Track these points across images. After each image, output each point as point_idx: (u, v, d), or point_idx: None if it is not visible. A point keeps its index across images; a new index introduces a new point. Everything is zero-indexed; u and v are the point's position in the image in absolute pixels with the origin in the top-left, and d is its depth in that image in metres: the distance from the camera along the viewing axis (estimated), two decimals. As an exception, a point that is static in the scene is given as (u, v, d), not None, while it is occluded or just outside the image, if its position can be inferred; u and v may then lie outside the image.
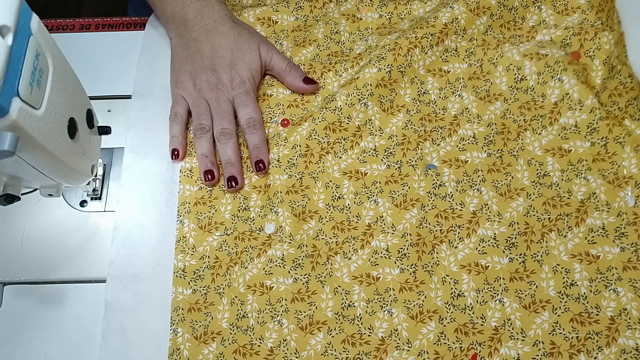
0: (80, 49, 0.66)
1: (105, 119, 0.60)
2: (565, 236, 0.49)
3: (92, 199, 0.58)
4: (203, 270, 0.52)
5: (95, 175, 0.56)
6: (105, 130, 0.53)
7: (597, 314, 0.46)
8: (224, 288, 0.52)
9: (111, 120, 0.59)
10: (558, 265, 0.48)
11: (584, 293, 0.47)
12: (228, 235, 0.54)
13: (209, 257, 0.53)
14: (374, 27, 0.62)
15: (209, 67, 0.58)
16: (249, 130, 0.56)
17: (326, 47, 0.62)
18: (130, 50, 0.66)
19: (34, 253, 0.55)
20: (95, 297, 0.53)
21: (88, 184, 0.56)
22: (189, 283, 0.52)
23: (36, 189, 0.50)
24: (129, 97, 0.62)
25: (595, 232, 0.49)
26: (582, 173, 0.51)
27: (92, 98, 0.51)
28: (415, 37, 0.59)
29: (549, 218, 0.50)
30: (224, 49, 0.59)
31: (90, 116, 0.50)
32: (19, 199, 0.45)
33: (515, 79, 0.56)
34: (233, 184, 0.55)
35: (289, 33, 0.63)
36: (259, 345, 0.49)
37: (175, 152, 0.58)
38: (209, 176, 0.56)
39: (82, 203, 0.58)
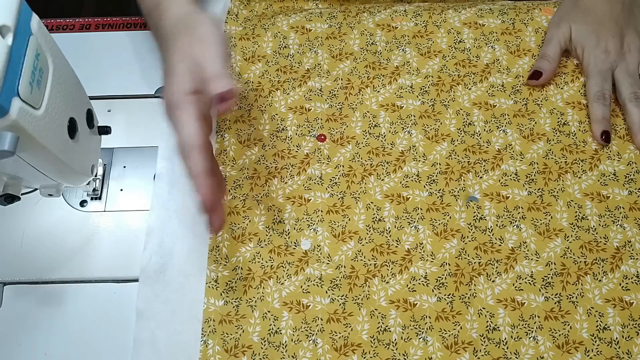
0: (80, 49, 0.66)
1: (105, 119, 0.60)
2: (600, 280, 0.50)
3: (92, 199, 0.58)
4: (235, 282, 0.52)
5: (95, 175, 0.55)
6: (105, 130, 0.52)
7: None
8: (256, 301, 0.51)
9: (111, 120, 0.59)
10: (592, 308, 0.49)
11: (616, 338, 0.48)
12: (262, 247, 0.53)
13: (241, 268, 0.52)
14: (410, 35, 0.63)
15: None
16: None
17: (363, 58, 0.62)
18: (130, 50, 0.65)
19: (34, 253, 0.55)
20: (95, 297, 0.52)
21: (88, 184, 0.55)
22: (221, 294, 0.51)
23: (36, 189, 0.49)
24: (129, 97, 0.62)
25: (629, 279, 0.50)
26: (619, 220, 0.53)
27: (92, 98, 0.51)
28: (458, 75, 0.60)
29: (585, 261, 0.51)
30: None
31: (90, 116, 0.50)
32: (19, 199, 0.45)
33: (558, 122, 0.57)
34: None
35: (323, 41, 0.63)
36: (292, 364, 0.48)
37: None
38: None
39: (82, 203, 0.57)
